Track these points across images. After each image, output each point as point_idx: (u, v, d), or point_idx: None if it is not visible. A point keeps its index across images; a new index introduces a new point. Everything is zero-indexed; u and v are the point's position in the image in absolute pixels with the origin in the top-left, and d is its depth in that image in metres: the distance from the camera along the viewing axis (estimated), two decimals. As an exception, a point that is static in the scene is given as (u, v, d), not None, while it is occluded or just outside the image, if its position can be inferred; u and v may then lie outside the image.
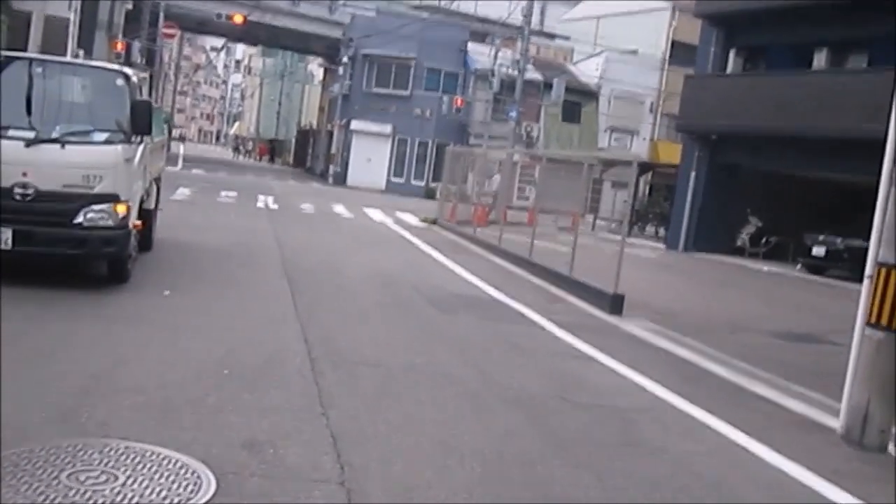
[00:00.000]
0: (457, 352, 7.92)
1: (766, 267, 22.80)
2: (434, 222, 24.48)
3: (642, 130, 47.10)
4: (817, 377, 9.06)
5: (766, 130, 22.84)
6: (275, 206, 23.22)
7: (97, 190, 8.25)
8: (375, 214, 25.49)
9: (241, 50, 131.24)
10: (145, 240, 11.41)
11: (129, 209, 8.61)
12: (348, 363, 6.78)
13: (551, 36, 37.10)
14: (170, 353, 6.48)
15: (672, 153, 41.95)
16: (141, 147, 9.21)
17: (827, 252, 21.16)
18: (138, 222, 9.15)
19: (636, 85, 44.94)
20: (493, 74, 32.51)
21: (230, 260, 12.28)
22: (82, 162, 8.18)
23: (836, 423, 7.01)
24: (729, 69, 25.15)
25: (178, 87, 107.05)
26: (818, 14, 21.80)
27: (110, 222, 8.35)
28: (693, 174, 25.55)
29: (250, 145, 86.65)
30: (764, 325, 12.92)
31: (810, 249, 21.66)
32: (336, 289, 10.89)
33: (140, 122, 8.45)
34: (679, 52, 47.03)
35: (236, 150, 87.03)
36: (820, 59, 22.67)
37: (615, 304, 12.25)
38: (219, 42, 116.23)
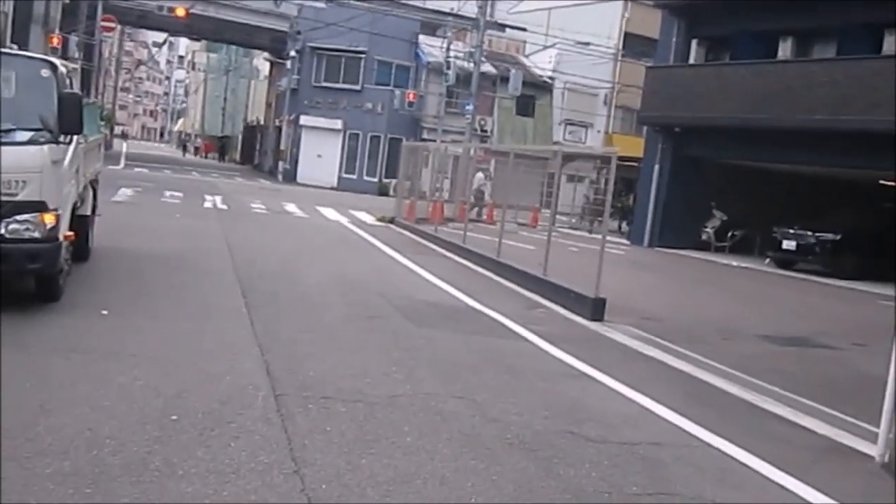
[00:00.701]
0: (442, 377, 6.95)
1: (734, 262, 22.21)
2: (391, 221, 23.48)
3: (597, 123, 46.56)
4: (827, 390, 8.33)
5: (732, 122, 22.23)
6: (224, 206, 22.01)
7: (20, 197, 7.13)
8: (330, 213, 24.40)
9: (184, 45, 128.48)
10: (81, 250, 10.28)
11: (58, 218, 7.49)
12: (320, 399, 5.76)
13: (503, 27, 36.14)
14: (105, 395, 5.40)
15: (628, 146, 41.50)
16: (72, 147, 8.09)
17: (798, 246, 20.61)
18: (70, 233, 8.01)
19: (589, 77, 44.32)
20: (448, 67, 31.55)
21: (177, 269, 11.15)
22: (2, 166, 7.04)
23: (868, 448, 6.25)
24: (691, 60, 24.52)
25: (120, 84, 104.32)
26: (783, 2, 21.25)
27: (36, 234, 7.24)
28: (657, 167, 24.89)
29: (199, 142, 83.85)
30: (752, 328, 12.18)
31: (780, 243, 21.10)
32: (297, 300, 9.85)
33: (69, 118, 7.33)
34: (632, 43, 46.65)
35: (184, 147, 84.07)
36: (785, 49, 22.12)
37: (596, 308, 11.40)
38: (161, 37, 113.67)
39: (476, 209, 27.45)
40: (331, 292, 10.81)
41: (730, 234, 24.77)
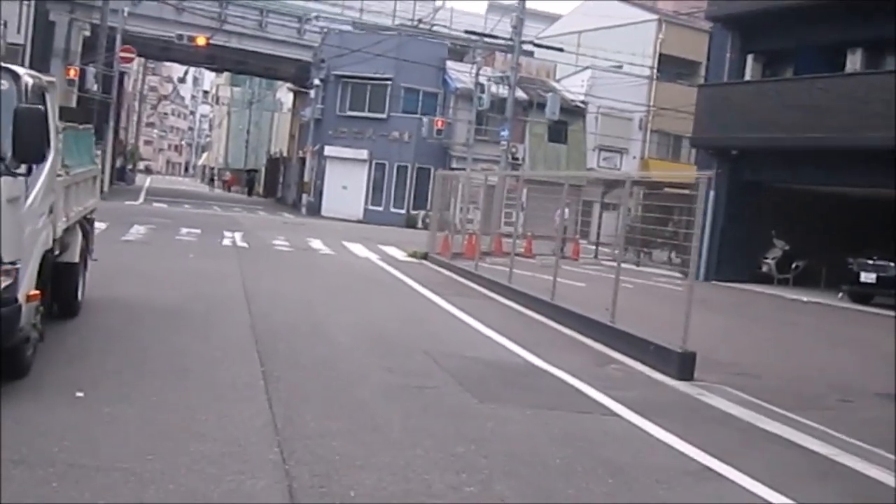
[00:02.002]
0: (528, 487, 5.07)
1: (803, 297, 20.15)
2: (425, 257, 21.64)
3: (632, 148, 44.65)
4: None
5: (795, 143, 20.27)
6: (244, 244, 20.28)
7: (-41, 248, 5.39)
8: (357, 249, 22.63)
9: (208, 80, 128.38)
10: (66, 305, 8.56)
11: (16, 274, 5.73)
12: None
13: (538, 47, 34.34)
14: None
15: (664, 172, 39.65)
16: (41, 180, 6.34)
17: (878, 279, 18.54)
18: (35, 292, 6.22)
19: (623, 101, 42.50)
20: (482, 91, 29.80)
21: (183, 325, 9.35)
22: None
23: None
24: (747, 76, 22.63)
25: (146, 119, 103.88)
26: (850, 11, 19.36)
27: (-17, 296, 5.48)
28: (711, 194, 22.90)
29: (227, 176, 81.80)
30: (865, 383, 10.22)
31: (858, 275, 19.03)
32: (326, 365, 8.00)
33: (27, 141, 5.56)
34: (667, 65, 44.89)
35: (211, 181, 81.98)
36: (854, 62, 20.17)
37: (685, 365, 9.50)
38: (184, 70, 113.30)
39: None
40: (367, 352, 8.96)
41: (793, 265, 22.73)
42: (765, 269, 22.87)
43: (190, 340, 8.54)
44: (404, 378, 7.82)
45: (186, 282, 12.81)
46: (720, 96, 23.09)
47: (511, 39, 27.18)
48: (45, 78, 6.99)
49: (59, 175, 7.26)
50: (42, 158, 5.92)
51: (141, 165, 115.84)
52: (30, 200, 6.02)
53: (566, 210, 25.02)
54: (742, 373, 10.15)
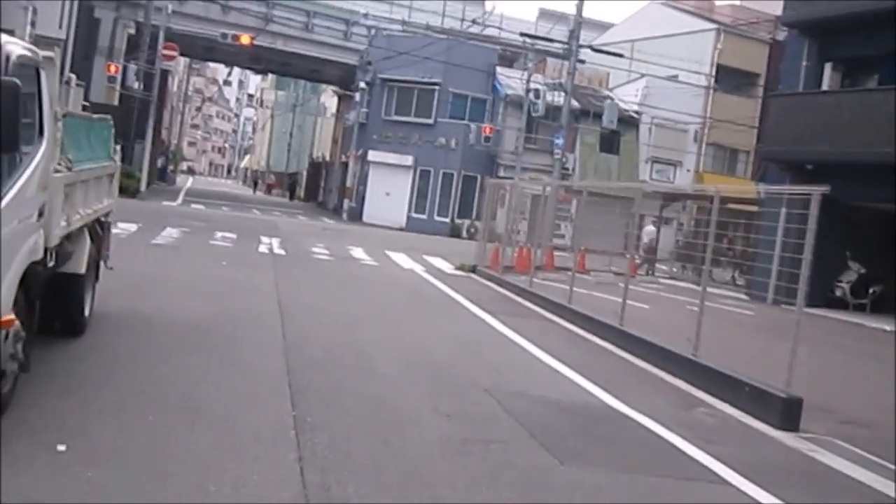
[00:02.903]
0: None
1: (886, 325, 18.45)
2: (473, 270, 20.28)
3: (686, 161, 42.94)
4: None
5: (875, 157, 18.60)
6: (281, 251, 19.07)
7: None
8: (401, 259, 21.32)
9: (253, 84, 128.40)
10: (69, 322, 7.32)
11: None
12: None
13: (596, 51, 32.77)
14: None
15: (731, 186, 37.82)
16: (26, 175, 5.09)
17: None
18: (10, 317, 4.95)
19: (678, 112, 40.83)
20: (538, 96, 28.37)
21: (203, 350, 8.06)
22: None
23: None
24: (824, 86, 20.98)
25: (190, 121, 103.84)
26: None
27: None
28: (783, 211, 21.25)
29: (272, 179, 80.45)
30: None
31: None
32: (370, 409, 6.65)
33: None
34: (725, 76, 43.14)
35: (254, 184, 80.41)
36: (948, 71, 18.48)
37: (790, 413, 8.07)
38: (230, 73, 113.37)
39: (646, 267, 24.31)
40: (419, 389, 7.61)
41: (870, 290, 21.01)
42: (839, 293, 21.20)
43: (210, 369, 7.25)
44: (465, 427, 6.45)
45: (215, 294, 11.56)
46: (794, 107, 21.44)
47: (567, 43, 25.74)
48: (43, 52, 5.73)
49: (56, 171, 6.02)
50: (13, 148, 4.65)
51: (184, 166, 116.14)
52: (5, 201, 4.76)
53: (651, 227, 23.70)
54: (848, 421, 8.71)
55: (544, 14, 50.25)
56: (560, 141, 25.14)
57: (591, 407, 7.94)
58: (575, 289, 15.59)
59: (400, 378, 7.94)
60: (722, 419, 8.23)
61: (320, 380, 7.36)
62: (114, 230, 18.65)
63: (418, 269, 19.55)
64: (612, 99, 31.01)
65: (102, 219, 8.74)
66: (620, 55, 32.52)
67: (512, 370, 9.20)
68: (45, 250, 5.85)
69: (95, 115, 7.86)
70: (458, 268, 20.69)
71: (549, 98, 32.41)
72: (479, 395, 7.63)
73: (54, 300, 7.20)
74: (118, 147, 9.07)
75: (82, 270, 7.43)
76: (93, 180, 7.56)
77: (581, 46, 25.81)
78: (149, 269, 13.03)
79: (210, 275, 13.53)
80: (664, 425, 7.43)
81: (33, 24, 23.08)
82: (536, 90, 28.31)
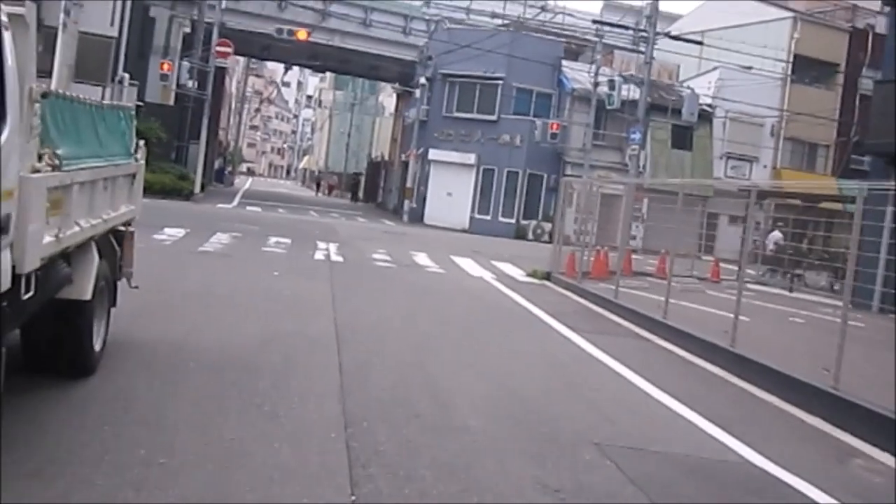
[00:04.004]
0: None
1: None
2: (547, 277, 18.52)
3: (762, 157, 40.52)
4: None
5: None
6: (338, 258, 17.53)
7: None
8: (468, 265, 19.65)
9: (312, 85, 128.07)
10: (71, 360, 5.81)
11: None
12: None
13: (675, 39, 30.52)
14: None
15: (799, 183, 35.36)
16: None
17: None
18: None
19: (753, 105, 38.44)
20: (612, 88, 26.43)
21: (244, 393, 6.45)
22: None
23: None
24: (940, 69, 18.74)
25: (249, 122, 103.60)
26: None
27: None
28: (890, 210, 19.06)
29: (333, 179, 77.22)
30: None
31: None
32: (456, 484, 4.98)
33: None
34: (803, 67, 40.58)
35: (317, 185, 77.60)
36: None
37: None
38: (288, 74, 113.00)
39: (771, 274, 22.40)
40: (513, 449, 5.91)
41: None
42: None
43: (244, 425, 5.65)
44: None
45: (263, 313, 10.00)
46: (904, 94, 19.21)
47: (642, 30, 23.78)
48: (6, 8, 4.18)
49: (35, 170, 4.47)
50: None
51: (243, 168, 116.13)
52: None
53: (778, 233, 21.66)
54: None
55: (609, 7, 48.19)
56: (637, 135, 23.25)
57: (728, 467, 6.17)
58: (654, 296, 13.93)
59: (488, 431, 6.25)
60: (885, 476, 6.42)
61: (388, 440, 5.69)
62: (158, 237, 17.48)
63: (488, 276, 17.86)
64: (691, 90, 28.83)
65: (122, 228, 7.23)
66: (700, 43, 30.39)
67: (619, 412, 7.45)
68: (18, 276, 4.29)
69: (107, 102, 6.32)
70: (530, 274, 18.97)
71: (631, 91, 30.42)
72: (591, 455, 5.91)
73: (53, 333, 5.71)
74: (141, 143, 7.52)
75: (87, 296, 5.89)
76: (101, 182, 6.01)
77: (658, 34, 23.80)
78: (190, 282, 11.57)
79: (259, 288, 12.01)
80: (824, 490, 5.69)
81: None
82: (612, 81, 26.32)
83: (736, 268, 25.17)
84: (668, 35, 25.13)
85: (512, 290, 15.70)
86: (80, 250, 5.76)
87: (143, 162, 7.49)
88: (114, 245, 6.84)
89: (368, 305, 11.68)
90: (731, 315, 14.57)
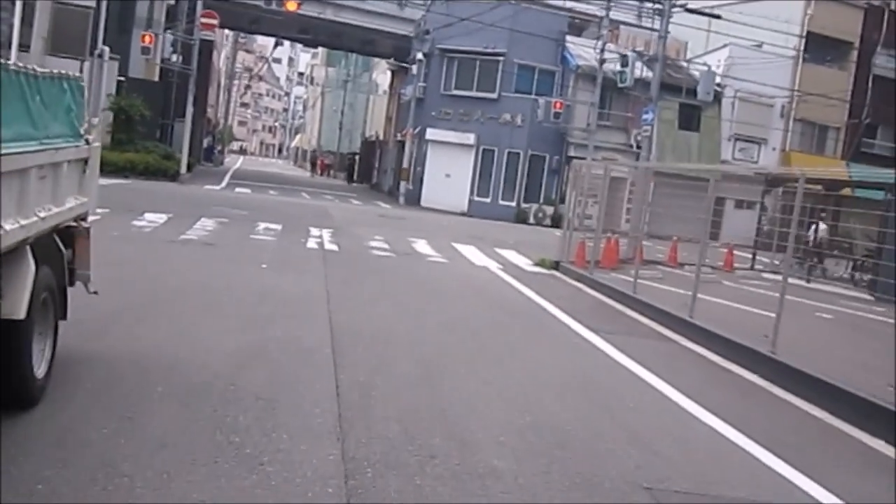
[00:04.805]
0: None
1: None
2: (556, 266, 17.33)
3: (771, 139, 39.29)
4: None
5: None
6: (332, 246, 16.27)
7: None
8: (471, 253, 18.43)
9: (303, 62, 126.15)
10: (11, 388, 4.62)
11: None
12: None
13: (691, 12, 28.94)
14: None
15: (809, 166, 33.96)
16: None
17: None
18: None
19: (763, 85, 37.13)
20: (624, 64, 25.06)
21: (220, 427, 5.24)
22: None
23: None
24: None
25: (240, 99, 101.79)
26: None
27: None
28: (921, 197, 17.88)
29: (328, 158, 73.66)
30: None
31: None
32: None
33: None
34: (816, 45, 39.22)
35: (312, 165, 74.78)
36: None
37: None
38: (279, 50, 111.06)
39: (815, 265, 21.26)
40: (546, 493, 4.75)
41: None
42: None
43: (220, 477, 4.43)
44: None
45: (249, 317, 8.75)
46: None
47: (658, 0, 22.46)
48: None
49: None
50: None
51: (235, 146, 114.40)
52: None
53: (823, 224, 20.47)
54: None
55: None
56: (650, 115, 21.93)
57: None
58: (672, 288, 12.84)
59: (519, 476, 5.04)
60: None
61: (399, 493, 4.50)
62: (137, 223, 16.18)
63: (493, 266, 16.64)
64: (707, 67, 27.51)
65: (74, 225, 5.98)
66: (719, 17, 28.98)
67: (666, 443, 6.24)
68: None
69: (42, 70, 5.04)
70: (537, 263, 17.78)
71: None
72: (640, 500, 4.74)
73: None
74: (94, 120, 6.25)
75: (21, 314, 4.65)
76: (34, 171, 4.75)
77: (674, 6, 22.46)
78: (167, 279, 10.32)
79: (245, 283, 10.76)
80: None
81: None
82: (624, 57, 24.97)
83: (750, 255, 24.11)
84: (685, 8, 23.71)
85: (521, 283, 14.48)
86: (8, 258, 4.51)
87: (97, 144, 6.21)
88: (59, 247, 5.59)
89: (367, 305, 10.44)
90: (760, 311, 13.51)
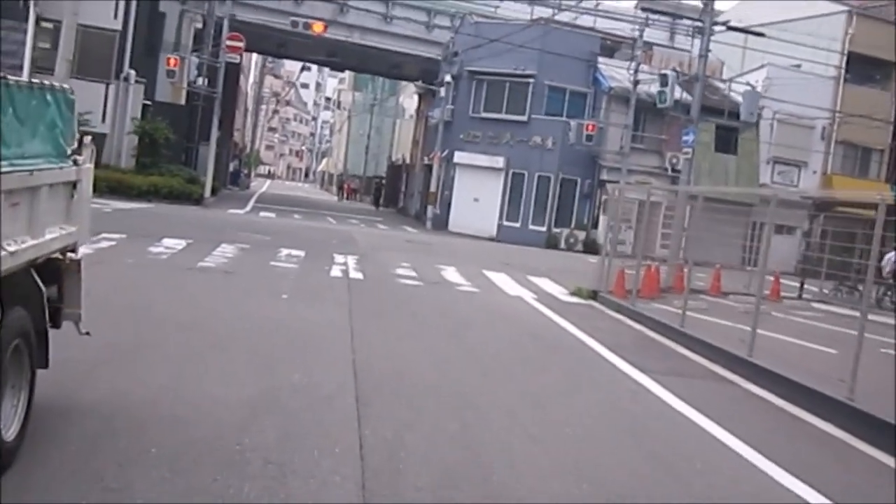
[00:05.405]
0: None
1: None
2: (594, 296, 16.35)
3: (811, 162, 38.11)
4: None
5: None
6: (357, 274, 15.41)
7: None
8: (503, 282, 17.50)
9: (331, 87, 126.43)
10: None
11: None
12: None
13: (732, 29, 27.90)
14: None
15: (851, 189, 32.93)
16: None
17: None
18: None
19: (803, 106, 36.03)
20: (664, 83, 24.07)
21: (214, 497, 4.37)
22: None
23: None
24: None
25: (266, 123, 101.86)
26: None
27: None
28: None
29: (354, 182, 72.21)
30: None
31: None
32: None
33: None
34: (858, 65, 38.11)
35: (339, 189, 72.95)
36: None
37: None
38: (306, 76, 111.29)
39: (883, 296, 20.20)
40: None
41: None
42: None
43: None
44: None
45: (263, 356, 7.87)
46: None
47: (699, 19, 21.55)
48: None
49: None
50: None
51: (264, 170, 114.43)
52: None
53: (893, 253, 19.37)
54: None
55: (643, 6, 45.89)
56: (690, 137, 20.96)
57: None
58: (722, 321, 11.85)
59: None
60: None
61: None
62: (155, 249, 15.43)
63: (527, 295, 15.69)
64: (751, 87, 26.52)
65: (60, 258, 5.15)
66: (762, 34, 27.98)
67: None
68: None
69: (22, 80, 4.23)
70: (573, 293, 16.80)
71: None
72: None
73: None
74: (87, 139, 5.42)
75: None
76: (4, 196, 3.91)
77: (716, 23, 21.52)
78: (177, 310, 9.49)
79: (262, 316, 9.89)
80: None
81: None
82: (664, 76, 24.03)
83: (797, 284, 22.95)
84: (726, 25, 22.78)
85: (558, 315, 13.51)
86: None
87: (89, 165, 5.38)
88: (37, 285, 4.74)
89: (394, 342, 9.53)
90: (824, 348, 12.46)
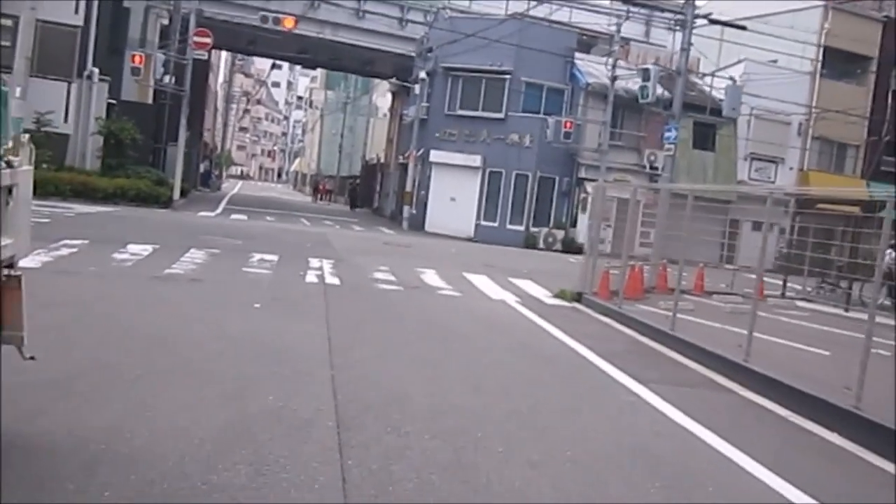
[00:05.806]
0: None
1: None
2: (578, 298, 15.82)
3: (788, 158, 37.86)
4: None
5: None
6: (334, 280, 14.74)
7: None
8: (484, 284, 16.92)
9: (302, 86, 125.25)
10: None
11: None
12: None
13: (714, 23, 27.40)
14: None
15: (827, 186, 32.67)
16: None
17: None
18: None
19: (780, 102, 35.74)
20: (646, 79, 23.55)
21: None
22: None
23: None
24: None
25: (238, 123, 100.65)
26: None
27: None
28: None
29: (328, 183, 70.48)
30: None
31: None
32: None
33: None
34: (834, 60, 37.89)
35: (315, 190, 71.37)
36: None
37: None
38: (278, 74, 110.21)
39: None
40: None
41: None
42: None
43: None
44: None
45: (233, 378, 7.20)
46: None
47: (680, 12, 21.07)
48: None
49: None
50: None
51: (236, 171, 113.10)
52: None
53: (892, 250, 18.96)
54: None
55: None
56: (672, 133, 20.49)
57: None
58: (710, 322, 11.38)
59: None
60: None
61: None
62: (119, 256, 14.63)
63: (511, 299, 15.12)
64: (733, 81, 26.12)
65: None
66: (744, 28, 27.60)
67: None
68: None
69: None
70: (557, 295, 16.27)
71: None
72: None
73: None
74: (24, 138, 4.77)
75: None
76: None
77: (698, 16, 21.04)
78: (139, 325, 8.80)
79: (232, 330, 9.22)
80: None
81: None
82: (646, 71, 23.53)
83: (778, 281, 22.53)
84: (708, 18, 22.33)
85: (543, 319, 12.95)
86: None
87: (26, 168, 4.72)
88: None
89: (376, 356, 8.89)
90: (819, 351, 12.00)
